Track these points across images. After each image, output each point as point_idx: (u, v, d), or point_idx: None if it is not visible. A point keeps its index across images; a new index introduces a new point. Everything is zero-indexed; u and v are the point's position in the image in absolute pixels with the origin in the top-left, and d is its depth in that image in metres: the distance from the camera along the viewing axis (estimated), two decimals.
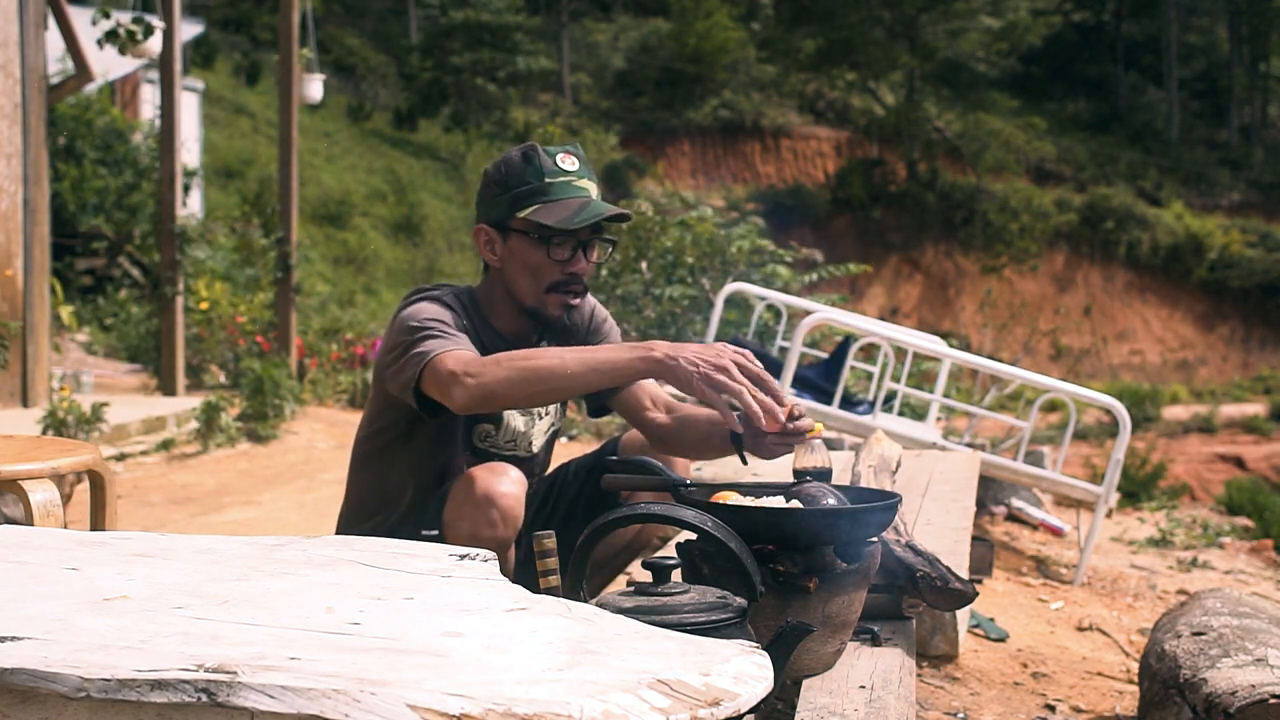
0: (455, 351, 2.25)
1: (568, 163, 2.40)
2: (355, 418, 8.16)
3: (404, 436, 2.49)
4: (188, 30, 15.92)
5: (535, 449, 2.61)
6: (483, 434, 2.52)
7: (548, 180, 2.38)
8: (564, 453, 2.67)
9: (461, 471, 2.43)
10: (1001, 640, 3.68)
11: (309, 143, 25.33)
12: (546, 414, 2.61)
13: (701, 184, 32.77)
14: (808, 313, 6.14)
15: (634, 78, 36.70)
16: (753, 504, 2.05)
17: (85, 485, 2.60)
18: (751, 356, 2.12)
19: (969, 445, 5.59)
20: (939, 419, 6.70)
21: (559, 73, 36.11)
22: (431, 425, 2.43)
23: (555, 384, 2.18)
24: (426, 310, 2.38)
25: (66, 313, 9.24)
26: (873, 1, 34.92)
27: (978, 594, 2.44)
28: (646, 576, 1.68)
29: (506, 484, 2.30)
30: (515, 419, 2.54)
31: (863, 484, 2.68)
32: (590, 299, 2.63)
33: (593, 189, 2.43)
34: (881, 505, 2.08)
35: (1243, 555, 5.99)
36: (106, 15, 7.69)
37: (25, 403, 7.09)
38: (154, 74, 12.41)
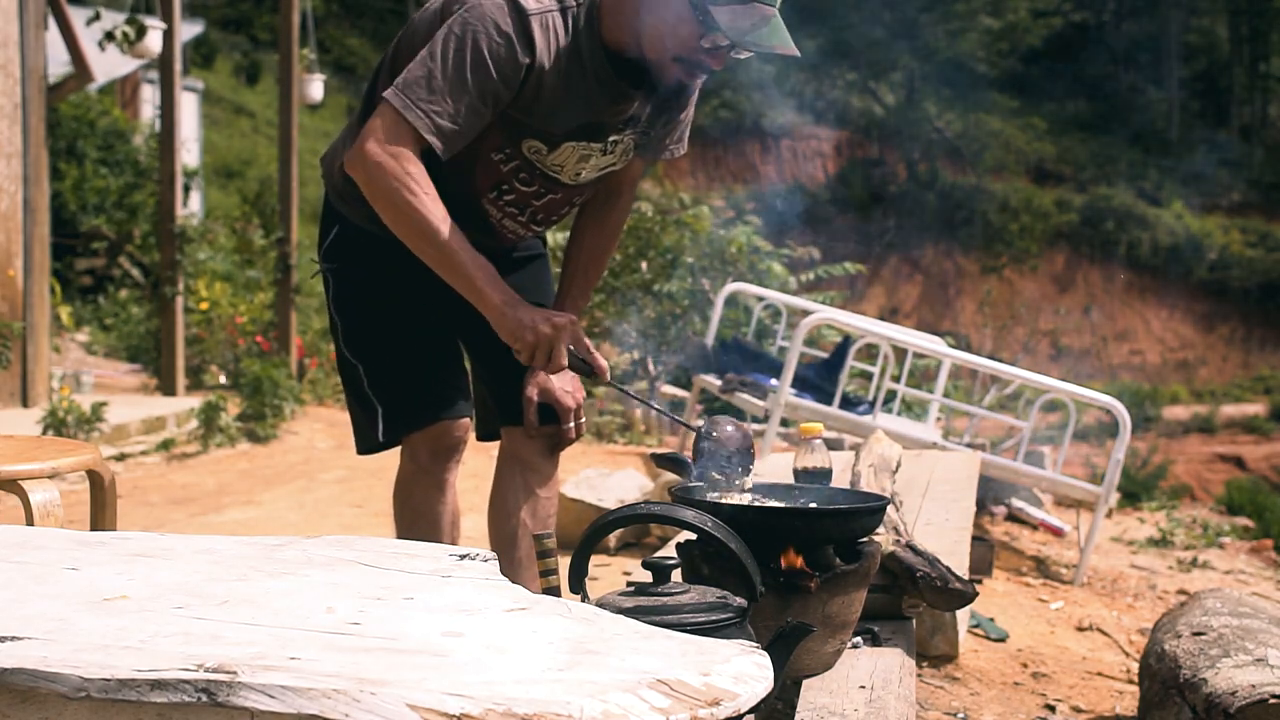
0: (409, 125, 2.10)
1: None
2: None
3: None
4: (188, 30, 15.88)
5: (581, 179, 2.40)
6: (533, 148, 2.32)
7: None
8: (565, 455, 2.63)
9: (492, 166, 2.31)
10: (1001, 640, 3.68)
11: (309, 143, 25.19)
12: (609, 153, 2.38)
13: (701, 184, 32.71)
14: (807, 313, 6.15)
15: None
16: (753, 504, 2.06)
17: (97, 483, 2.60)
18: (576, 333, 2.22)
19: (969, 445, 5.59)
20: (939, 419, 6.70)
21: None
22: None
23: (421, 251, 2.18)
24: (473, 29, 2.13)
25: (66, 313, 9.22)
26: (873, 1, 34.88)
27: (978, 594, 2.44)
28: (647, 576, 1.68)
29: (444, 508, 2.49)
30: (571, 151, 2.33)
31: (862, 484, 2.68)
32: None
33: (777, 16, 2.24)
34: (866, 504, 2.09)
35: (1243, 555, 5.99)
36: (98, 16, 7.71)
37: (25, 403, 7.08)
38: (154, 74, 12.38)
